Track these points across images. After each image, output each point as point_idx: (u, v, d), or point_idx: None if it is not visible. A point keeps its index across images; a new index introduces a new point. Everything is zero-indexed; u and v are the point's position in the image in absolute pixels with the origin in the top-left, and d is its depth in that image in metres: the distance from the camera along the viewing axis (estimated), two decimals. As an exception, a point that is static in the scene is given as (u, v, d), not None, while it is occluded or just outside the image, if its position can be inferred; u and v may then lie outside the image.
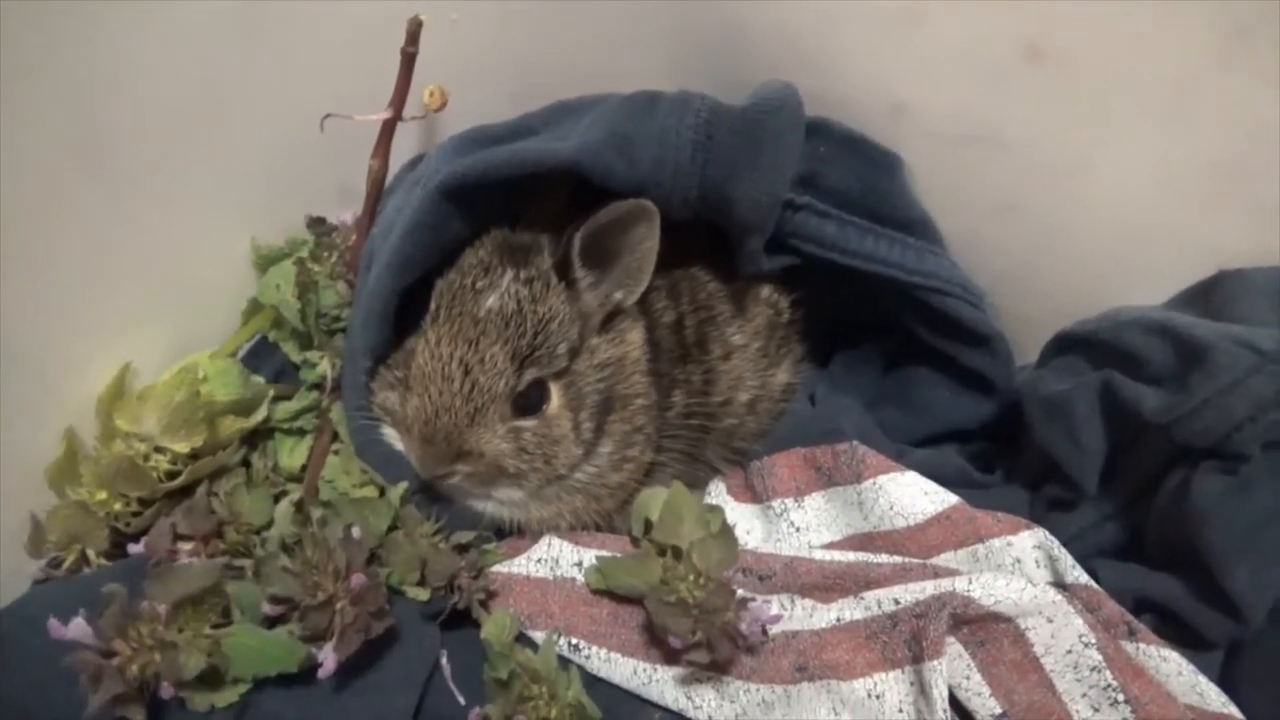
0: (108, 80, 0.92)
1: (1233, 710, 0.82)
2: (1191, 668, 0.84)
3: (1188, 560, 0.86)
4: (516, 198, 0.93)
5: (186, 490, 0.92)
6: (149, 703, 0.75)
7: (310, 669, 0.79)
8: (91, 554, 0.91)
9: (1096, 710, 0.82)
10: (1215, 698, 0.83)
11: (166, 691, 0.75)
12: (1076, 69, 0.96)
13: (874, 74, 1.02)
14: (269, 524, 0.91)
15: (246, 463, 0.99)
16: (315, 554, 0.81)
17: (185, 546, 0.86)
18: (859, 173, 1.00)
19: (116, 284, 0.96)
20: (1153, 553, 0.91)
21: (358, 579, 0.79)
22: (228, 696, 0.78)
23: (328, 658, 0.78)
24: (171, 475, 0.92)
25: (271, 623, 0.81)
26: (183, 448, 0.91)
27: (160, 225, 0.99)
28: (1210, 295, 0.95)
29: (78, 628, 0.73)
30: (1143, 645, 0.86)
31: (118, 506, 0.90)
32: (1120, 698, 0.81)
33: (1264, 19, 0.87)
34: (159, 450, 0.91)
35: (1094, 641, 0.83)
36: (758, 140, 0.87)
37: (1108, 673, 0.82)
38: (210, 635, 0.78)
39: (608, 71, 0.98)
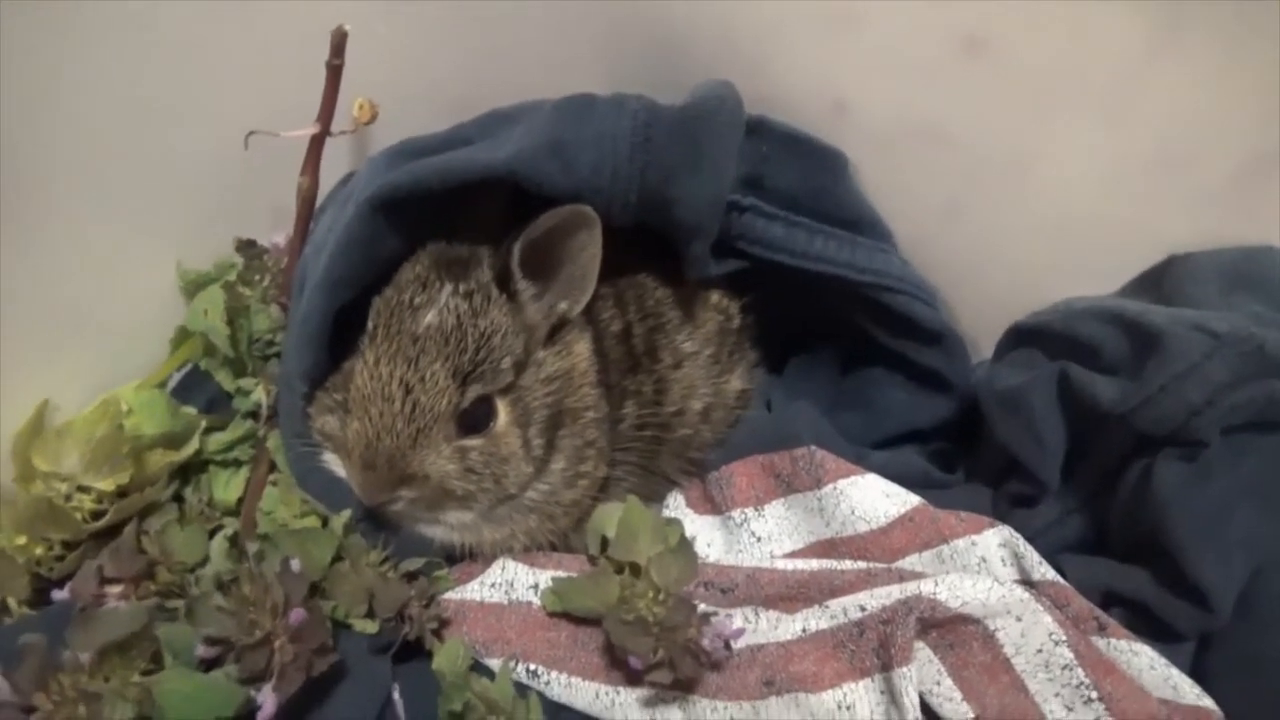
0: (18, 101, 0.88)
1: (1207, 702, 0.81)
2: (1163, 661, 0.83)
3: (1153, 551, 0.85)
4: (452, 210, 0.90)
5: (113, 530, 0.87)
6: (74, 760, 0.71)
7: (250, 713, 0.74)
8: (12, 603, 0.86)
9: (1070, 710, 0.80)
10: (1189, 690, 0.82)
11: (93, 747, 0.70)
12: (1016, 62, 0.96)
13: (814, 72, 1.01)
14: (204, 562, 0.87)
15: (179, 498, 0.95)
16: (251, 589, 0.76)
17: (114, 590, 0.81)
18: (804, 172, 0.99)
19: (30, 315, 0.92)
20: (1118, 545, 0.90)
21: (297, 614, 0.75)
22: (161, 748, 0.74)
23: (267, 700, 0.73)
24: (97, 515, 0.88)
25: (207, 666, 0.77)
26: (108, 485, 0.87)
27: (77, 252, 0.95)
28: (1161, 281, 0.95)
29: (-8, 684, 0.68)
30: (1113, 640, 0.84)
31: (39, 551, 0.86)
32: (1093, 695, 0.79)
33: (1199, 6, 0.87)
34: (82, 489, 0.87)
35: (1064, 639, 0.81)
36: (697, 140, 0.85)
37: (1079, 670, 0.80)
38: (139, 683, 0.73)
39: (542, 78, 0.96)
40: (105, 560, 0.82)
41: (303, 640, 0.75)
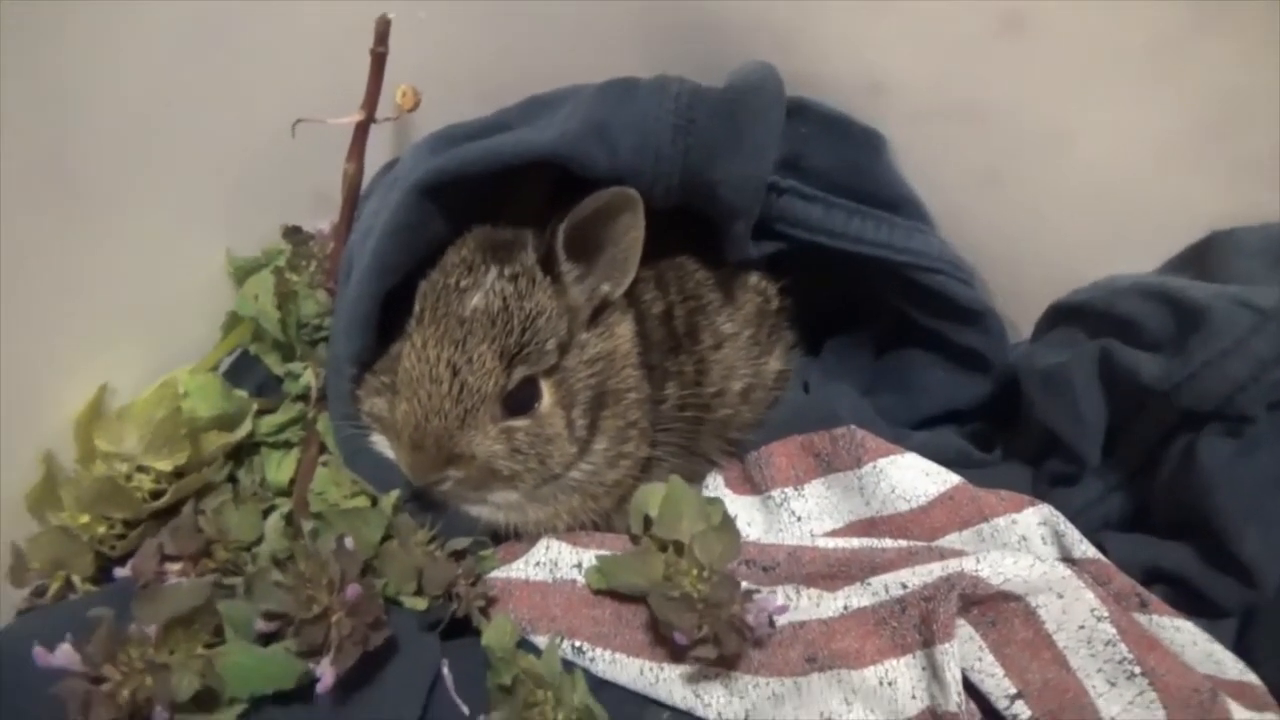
0: (70, 95, 0.90)
1: (1251, 677, 0.81)
2: (1206, 636, 0.83)
3: (1196, 527, 0.85)
4: (496, 195, 0.91)
5: (172, 510, 0.90)
6: (142, 729, 0.73)
7: (308, 685, 0.77)
8: (77, 580, 0.88)
9: (1113, 685, 0.80)
10: (1232, 665, 0.82)
11: (160, 716, 0.72)
12: (1055, 37, 0.95)
13: (852, 52, 1.01)
14: (259, 540, 0.89)
15: (233, 479, 0.97)
16: (308, 566, 0.78)
17: (173, 567, 0.84)
18: (842, 153, 0.99)
19: (89, 303, 0.94)
20: (1160, 522, 0.90)
21: (353, 589, 0.77)
22: (224, 717, 0.76)
23: (325, 672, 0.75)
24: (156, 495, 0.90)
25: (266, 640, 0.79)
26: (166, 466, 0.89)
27: (131, 241, 0.97)
28: (1203, 257, 0.94)
29: (64, 654, 0.71)
30: (1156, 616, 0.84)
31: (101, 529, 0.88)
32: (1136, 670, 0.79)
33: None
34: (141, 470, 0.90)
35: (1106, 615, 0.81)
36: (739, 121, 0.85)
37: (1122, 646, 0.80)
38: (203, 655, 0.76)
39: (581, 62, 0.97)
40: (165, 538, 0.85)
41: (358, 615, 0.77)
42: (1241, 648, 0.83)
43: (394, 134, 1.09)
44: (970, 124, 1.02)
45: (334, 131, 0.97)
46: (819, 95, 1.01)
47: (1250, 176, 0.96)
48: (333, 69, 0.96)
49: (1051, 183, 1.03)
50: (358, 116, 0.97)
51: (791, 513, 0.99)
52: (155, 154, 0.98)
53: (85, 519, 0.88)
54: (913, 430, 1.06)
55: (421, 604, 0.87)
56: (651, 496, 0.92)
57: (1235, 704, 0.78)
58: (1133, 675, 0.80)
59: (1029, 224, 1.06)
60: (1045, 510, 0.91)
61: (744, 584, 0.85)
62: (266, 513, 0.91)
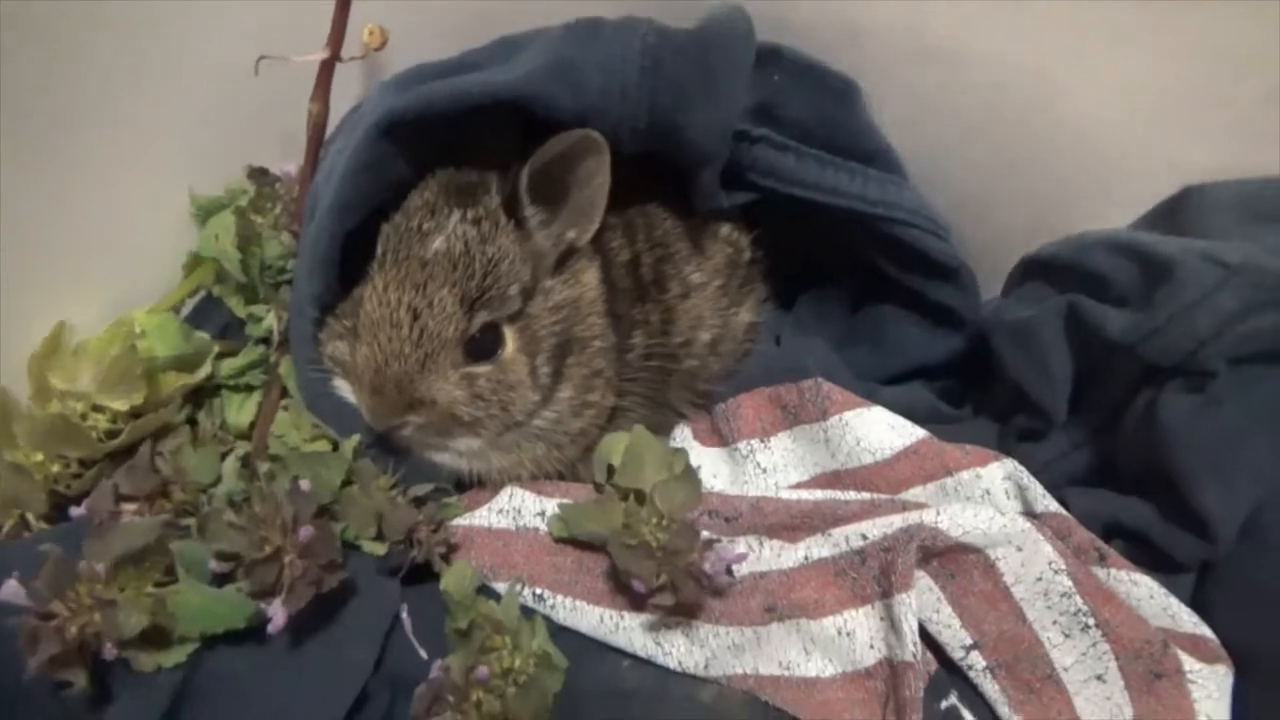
0: (29, 30, 0.88)
1: (1204, 631, 0.82)
2: (1163, 590, 0.83)
3: (1157, 482, 0.85)
4: (462, 137, 0.89)
5: (129, 450, 0.89)
6: (91, 665, 0.73)
7: (261, 626, 0.76)
8: (31, 518, 0.88)
9: (1067, 636, 0.81)
10: (1187, 619, 0.82)
11: (109, 652, 0.72)
12: (1039, -11, 0.93)
13: (830, -3, 0.99)
14: (216, 482, 0.88)
15: (192, 421, 0.96)
16: (262, 507, 0.78)
17: (129, 507, 0.83)
18: (816, 103, 0.97)
19: (48, 241, 0.93)
20: (1123, 477, 0.90)
21: (306, 531, 0.76)
22: (175, 656, 0.76)
23: (277, 613, 0.75)
24: (112, 434, 0.89)
25: (220, 581, 0.79)
26: (122, 405, 0.88)
27: (94, 178, 0.95)
28: (1176, 212, 0.93)
29: (10, 589, 0.70)
30: (1113, 570, 0.85)
31: (56, 468, 0.87)
32: (1090, 622, 0.80)
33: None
34: (97, 409, 0.89)
35: (1064, 568, 0.81)
36: (708, 64, 0.84)
37: (1078, 598, 0.81)
38: (153, 594, 0.75)
39: (552, 3, 0.94)
40: (120, 478, 0.83)
41: (312, 556, 0.77)
42: (1197, 601, 0.84)
43: (363, 74, 1.07)
44: (950, 74, 1.01)
45: (301, 72, 0.95)
46: (797, 41, 0.99)
47: (1232, 133, 0.95)
48: (300, 6, 0.94)
49: (1031, 135, 1.02)
50: (323, 54, 0.94)
51: (758, 465, 0.99)
52: (118, 91, 0.96)
53: (39, 457, 0.87)
54: (884, 386, 1.06)
55: (381, 549, 0.86)
56: (615, 445, 0.92)
57: (1187, 656, 0.79)
58: (1087, 627, 0.80)
59: (1007, 176, 1.05)
60: (1009, 465, 0.91)
61: (705, 534, 0.85)
62: (225, 455, 0.90)
